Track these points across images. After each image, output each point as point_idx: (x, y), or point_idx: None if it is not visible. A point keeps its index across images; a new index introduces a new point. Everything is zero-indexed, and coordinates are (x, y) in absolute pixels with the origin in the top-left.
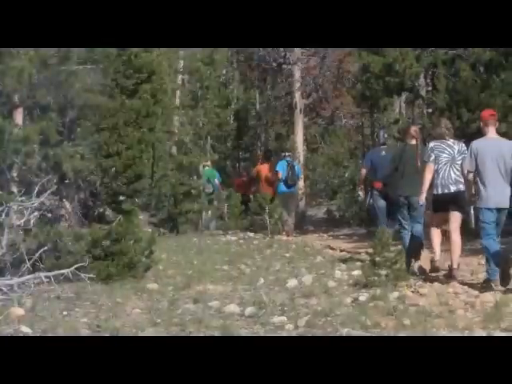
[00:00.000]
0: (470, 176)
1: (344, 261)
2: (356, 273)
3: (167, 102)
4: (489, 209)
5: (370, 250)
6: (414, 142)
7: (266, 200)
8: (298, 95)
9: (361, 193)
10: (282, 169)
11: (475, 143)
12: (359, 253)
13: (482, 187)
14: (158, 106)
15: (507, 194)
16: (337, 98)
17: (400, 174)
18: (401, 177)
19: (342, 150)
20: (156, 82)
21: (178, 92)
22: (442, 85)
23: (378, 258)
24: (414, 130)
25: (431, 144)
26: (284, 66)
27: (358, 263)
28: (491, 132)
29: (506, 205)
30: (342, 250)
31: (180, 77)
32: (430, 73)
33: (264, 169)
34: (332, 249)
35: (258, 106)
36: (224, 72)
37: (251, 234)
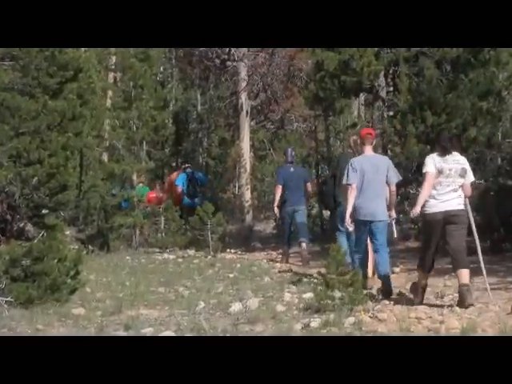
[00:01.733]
0: (353, 187)
1: (294, 282)
2: (307, 296)
3: (96, 103)
4: (362, 220)
5: (324, 270)
6: (350, 150)
7: (208, 214)
8: (244, 96)
9: (276, 211)
10: (181, 182)
11: (354, 159)
12: (311, 273)
13: (357, 200)
14: (86, 108)
15: (381, 207)
16: (287, 98)
17: (337, 181)
18: (337, 184)
19: None
20: (83, 81)
21: (109, 92)
22: (404, 85)
23: (331, 279)
24: (352, 139)
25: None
26: (228, 63)
27: (310, 285)
28: (368, 150)
29: (380, 217)
30: (292, 270)
31: (111, 74)
32: (391, 71)
33: (171, 180)
34: (281, 269)
35: (199, 108)
36: (161, 69)
37: (191, 252)
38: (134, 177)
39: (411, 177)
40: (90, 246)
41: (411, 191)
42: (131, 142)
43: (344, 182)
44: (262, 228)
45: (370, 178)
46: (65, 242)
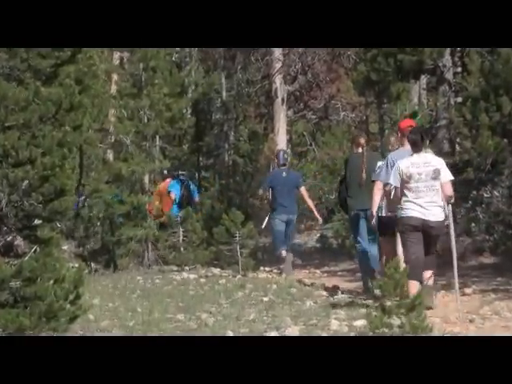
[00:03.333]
0: (387, 188)
1: (343, 307)
2: (359, 323)
3: (99, 90)
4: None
5: (378, 292)
6: (360, 150)
7: (237, 224)
8: (278, 80)
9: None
10: (175, 189)
11: (391, 155)
12: (364, 295)
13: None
14: (86, 96)
15: None
16: (332, 82)
17: (348, 185)
18: (349, 188)
19: (341, 153)
20: (83, 63)
21: (115, 76)
22: (474, 65)
23: (388, 303)
24: (361, 140)
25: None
26: None
27: (363, 310)
28: (408, 143)
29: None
30: (340, 292)
31: (117, 55)
32: (459, 49)
33: (163, 187)
34: (327, 290)
35: (224, 95)
36: (177, 48)
37: (216, 271)
38: (146, 179)
39: (485, 177)
40: (92, 264)
41: (485, 194)
42: (142, 137)
43: (385, 179)
44: (302, 241)
45: None
46: (62, 259)
